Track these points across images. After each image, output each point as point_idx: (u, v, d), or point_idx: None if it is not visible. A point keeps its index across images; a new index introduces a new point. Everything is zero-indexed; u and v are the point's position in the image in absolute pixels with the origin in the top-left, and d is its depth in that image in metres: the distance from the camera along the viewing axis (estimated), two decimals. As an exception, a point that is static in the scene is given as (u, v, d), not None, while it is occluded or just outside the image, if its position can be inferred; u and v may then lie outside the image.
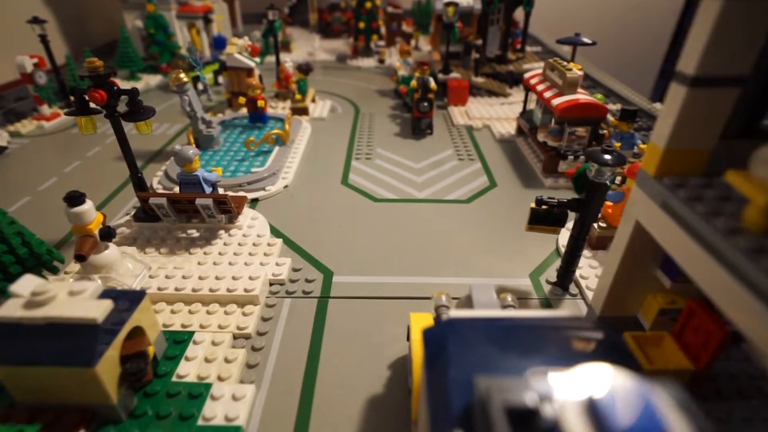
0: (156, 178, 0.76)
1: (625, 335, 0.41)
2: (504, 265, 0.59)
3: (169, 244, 0.60)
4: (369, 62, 1.51)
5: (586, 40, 0.89)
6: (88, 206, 0.45)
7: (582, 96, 0.72)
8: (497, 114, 1.05)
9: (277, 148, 0.83)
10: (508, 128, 0.98)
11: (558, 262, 0.59)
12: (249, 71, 1.01)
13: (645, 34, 2.54)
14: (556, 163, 0.76)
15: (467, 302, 0.37)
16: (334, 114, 1.09)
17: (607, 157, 0.44)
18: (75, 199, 0.44)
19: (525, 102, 0.91)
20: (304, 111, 1.04)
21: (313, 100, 1.12)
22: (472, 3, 1.16)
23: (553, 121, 0.78)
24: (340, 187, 0.76)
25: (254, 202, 0.71)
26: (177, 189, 0.64)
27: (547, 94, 0.76)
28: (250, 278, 0.52)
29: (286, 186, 0.75)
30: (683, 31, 2.47)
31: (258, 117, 0.93)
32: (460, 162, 0.85)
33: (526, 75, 0.87)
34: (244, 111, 0.99)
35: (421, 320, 0.39)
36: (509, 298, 0.40)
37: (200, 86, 0.81)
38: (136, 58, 1.27)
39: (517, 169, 0.82)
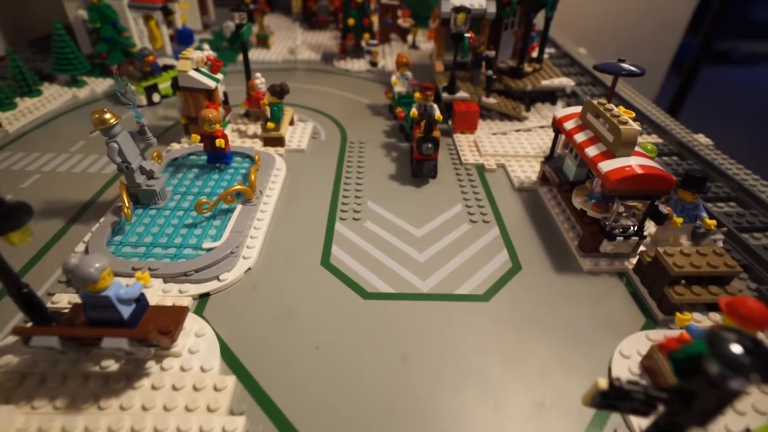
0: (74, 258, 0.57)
1: None
2: (546, 420, 0.42)
3: (72, 387, 0.42)
4: (359, 64, 1.30)
5: (631, 67, 0.71)
6: None
7: (641, 161, 0.54)
8: (513, 148, 0.87)
9: (239, 207, 0.65)
10: (528, 170, 0.80)
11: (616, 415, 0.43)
12: (209, 93, 0.81)
13: (656, 24, 2.35)
14: (597, 241, 0.59)
15: None
16: (316, 141, 0.90)
17: (740, 351, 0.27)
18: None
19: (553, 146, 0.73)
20: (278, 141, 0.85)
21: (292, 123, 0.93)
22: (484, 6, 0.96)
23: (595, 183, 0.61)
24: (319, 272, 0.58)
25: (204, 299, 0.53)
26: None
27: (591, 151, 0.59)
28: (180, 475, 0.35)
29: (248, 269, 0.57)
30: (701, 22, 2.29)
31: (218, 156, 0.74)
32: (473, 225, 0.67)
33: (558, 115, 0.69)
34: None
35: None
36: None
37: (140, 109, 0.62)
38: (77, 60, 1.05)
39: (544, 239, 0.65)
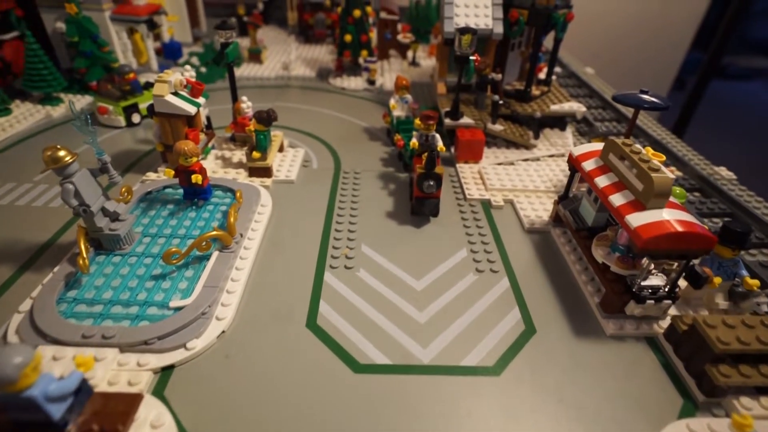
0: (17, 319, 0.49)
1: None
2: None
3: (-8, 503, 0.34)
4: (356, 82, 1.23)
5: (654, 100, 0.64)
6: None
7: (677, 215, 0.47)
8: (522, 181, 0.79)
9: (216, 254, 0.57)
10: (539, 208, 0.73)
11: None
12: (189, 119, 0.73)
13: (659, 41, 2.30)
14: (621, 301, 0.52)
15: None
16: (307, 170, 0.83)
17: None
18: None
19: (568, 185, 0.66)
20: (265, 172, 0.77)
21: (281, 149, 0.85)
22: (491, 26, 0.90)
23: (619, 233, 0.54)
24: (304, 335, 0.50)
25: (167, 372, 0.46)
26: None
27: (616, 200, 0.52)
28: None
29: (222, 332, 0.50)
30: (705, 39, 2.25)
31: (196, 192, 0.66)
32: (479, 276, 0.60)
33: (576, 152, 0.62)
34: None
35: None
36: None
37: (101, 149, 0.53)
38: (51, 77, 0.97)
39: (560, 293, 0.58)
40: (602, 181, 0.55)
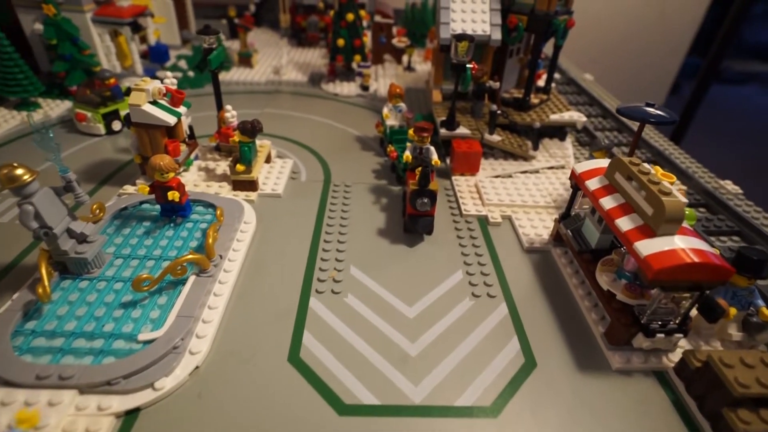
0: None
1: None
2: None
3: None
4: (349, 88, 1.19)
5: (660, 113, 0.60)
6: None
7: (691, 242, 0.43)
8: (521, 195, 0.76)
9: (193, 278, 0.53)
10: (538, 225, 0.69)
11: None
12: (169, 130, 0.69)
13: (659, 46, 2.28)
14: (629, 333, 0.48)
15: None
16: (296, 182, 0.79)
17: None
18: None
19: (570, 203, 0.62)
20: (250, 185, 0.73)
21: (268, 160, 0.81)
22: (488, 32, 0.86)
23: (626, 259, 0.50)
24: (286, 371, 0.46)
25: (131, 417, 0.41)
26: None
27: (623, 224, 0.48)
28: None
29: (195, 368, 0.45)
30: (703, 43, 2.24)
31: (174, 209, 0.62)
32: (476, 301, 0.56)
33: (579, 168, 0.58)
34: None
35: None
36: None
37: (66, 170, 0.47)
38: (27, 81, 0.92)
39: (561, 321, 0.54)
40: (608, 203, 0.51)
